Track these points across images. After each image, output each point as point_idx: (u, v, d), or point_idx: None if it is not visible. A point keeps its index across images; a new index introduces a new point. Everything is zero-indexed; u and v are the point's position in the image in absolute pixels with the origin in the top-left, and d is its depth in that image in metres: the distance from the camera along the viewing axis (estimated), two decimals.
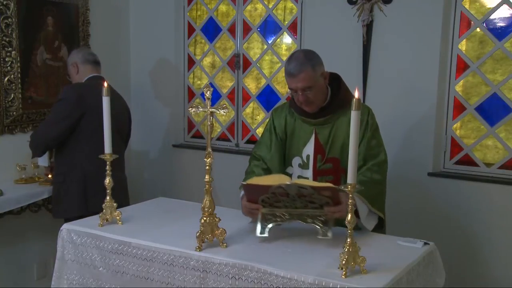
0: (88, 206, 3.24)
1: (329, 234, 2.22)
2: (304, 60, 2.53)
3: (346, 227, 1.95)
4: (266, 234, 2.26)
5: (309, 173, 2.69)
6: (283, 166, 2.77)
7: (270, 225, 2.28)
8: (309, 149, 2.70)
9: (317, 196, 2.22)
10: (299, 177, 2.70)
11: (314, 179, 2.66)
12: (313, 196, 2.21)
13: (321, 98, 2.63)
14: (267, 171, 2.72)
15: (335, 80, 2.71)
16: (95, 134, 3.05)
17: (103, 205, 2.49)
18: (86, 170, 3.31)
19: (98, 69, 3.54)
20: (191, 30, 4.68)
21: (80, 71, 3.49)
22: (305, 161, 2.71)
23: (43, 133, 3.36)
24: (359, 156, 2.50)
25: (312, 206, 2.26)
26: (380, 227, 2.60)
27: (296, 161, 2.74)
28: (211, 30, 4.61)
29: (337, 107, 2.65)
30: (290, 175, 2.71)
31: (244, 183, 2.32)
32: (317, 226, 2.26)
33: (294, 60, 2.56)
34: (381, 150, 2.63)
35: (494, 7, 3.44)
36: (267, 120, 2.98)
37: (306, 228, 2.50)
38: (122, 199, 3.52)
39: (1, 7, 3.61)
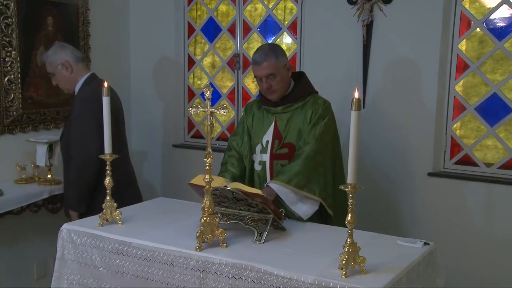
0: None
1: (262, 240, 2.27)
2: (268, 51, 2.81)
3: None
4: (262, 242, 2.26)
5: (266, 157, 2.89)
6: (251, 154, 3.00)
7: (265, 233, 2.29)
8: (268, 135, 2.91)
9: (251, 201, 2.29)
10: (260, 162, 2.92)
11: (271, 162, 2.89)
12: (248, 200, 2.29)
13: (283, 87, 2.86)
14: (240, 160, 3.00)
15: (299, 76, 2.96)
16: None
17: (103, 205, 2.48)
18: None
19: (88, 66, 3.44)
20: (191, 30, 4.68)
21: (74, 71, 3.28)
22: (264, 146, 2.91)
23: (88, 152, 3.09)
24: (302, 137, 2.79)
25: (253, 210, 2.34)
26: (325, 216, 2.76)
27: (258, 147, 2.95)
28: (211, 30, 4.61)
29: (296, 96, 2.88)
30: (253, 162, 2.97)
31: (188, 182, 2.43)
32: (254, 230, 2.31)
33: (260, 50, 2.86)
34: (314, 139, 2.75)
35: (494, 7, 3.44)
36: None
37: (307, 229, 2.50)
38: (133, 193, 3.41)
39: (1, 7, 3.61)
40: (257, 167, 2.95)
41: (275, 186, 2.66)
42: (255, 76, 2.86)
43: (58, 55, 3.29)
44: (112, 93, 3.16)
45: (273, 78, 2.78)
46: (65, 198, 3.43)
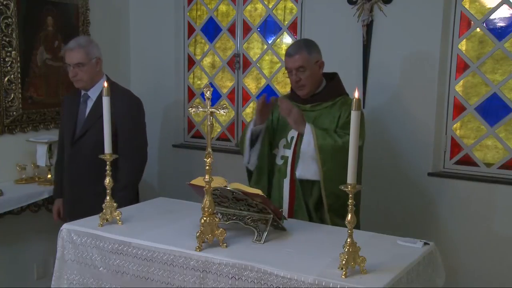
0: None
1: (262, 240, 2.26)
2: (302, 45, 2.90)
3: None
4: (262, 242, 2.26)
5: (289, 152, 2.90)
6: (269, 147, 3.03)
7: (265, 233, 2.29)
8: (294, 131, 2.90)
9: (251, 201, 2.29)
10: (282, 157, 2.94)
11: (293, 158, 2.89)
12: (248, 200, 2.29)
13: (313, 83, 2.88)
14: None
15: (332, 77, 2.99)
16: None
17: (103, 205, 2.48)
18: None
19: None
20: (191, 30, 4.68)
21: (100, 69, 3.31)
22: (289, 141, 2.93)
23: (144, 150, 3.36)
24: (340, 128, 2.82)
25: (253, 210, 2.33)
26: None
27: (282, 142, 2.98)
28: (211, 30, 4.61)
29: (326, 96, 2.91)
30: (275, 156, 2.99)
31: (188, 183, 2.43)
32: (254, 230, 2.30)
33: (294, 43, 2.99)
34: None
35: (494, 7, 3.44)
36: None
37: (307, 229, 2.50)
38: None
39: (1, 7, 3.62)
40: (279, 161, 2.96)
41: (309, 128, 2.74)
42: (286, 68, 2.90)
43: (95, 48, 3.28)
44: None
45: (303, 71, 2.82)
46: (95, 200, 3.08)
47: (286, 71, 2.92)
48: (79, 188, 3.28)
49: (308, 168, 2.76)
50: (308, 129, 2.75)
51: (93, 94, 3.31)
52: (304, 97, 2.91)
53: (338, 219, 2.77)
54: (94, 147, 3.07)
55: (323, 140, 2.72)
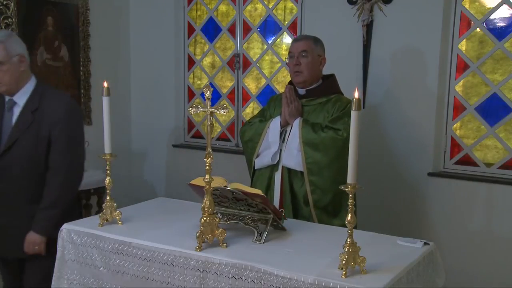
0: None
1: (262, 240, 2.25)
2: (310, 36, 3.05)
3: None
4: (262, 242, 2.26)
5: (283, 145, 2.93)
6: None
7: (265, 233, 2.29)
8: (288, 126, 2.94)
9: (251, 201, 2.29)
10: (280, 151, 2.96)
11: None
12: (248, 200, 2.29)
13: (310, 73, 2.93)
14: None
15: (329, 77, 3.04)
16: None
17: (103, 205, 2.48)
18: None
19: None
20: (191, 30, 4.68)
21: (26, 69, 2.74)
22: (282, 136, 2.96)
23: (81, 164, 2.81)
24: (329, 120, 2.86)
25: (253, 210, 2.33)
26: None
27: None
28: (211, 30, 4.61)
29: (321, 91, 2.96)
30: None
31: (188, 183, 2.43)
32: (254, 230, 2.29)
33: (303, 34, 3.15)
34: (344, 127, 2.76)
35: (494, 7, 3.44)
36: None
37: (307, 229, 2.50)
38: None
39: (1, 7, 3.62)
40: None
41: (298, 121, 2.85)
42: (289, 53, 2.98)
43: (16, 44, 2.72)
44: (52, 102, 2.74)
45: (305, 56, 2.90)
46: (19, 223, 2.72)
47: (288, 59, 2.99)
48: (9, 211, 2.76)
49: (292, 158, 2.86)
50: (296, 122, 2.86)
51: (19, 99, 2.74)
52: (298, 84, 2.96)
53: (326, 216, 2.79)
54: (25, 162, 2.70)
55: (307, 135, 2.81)
